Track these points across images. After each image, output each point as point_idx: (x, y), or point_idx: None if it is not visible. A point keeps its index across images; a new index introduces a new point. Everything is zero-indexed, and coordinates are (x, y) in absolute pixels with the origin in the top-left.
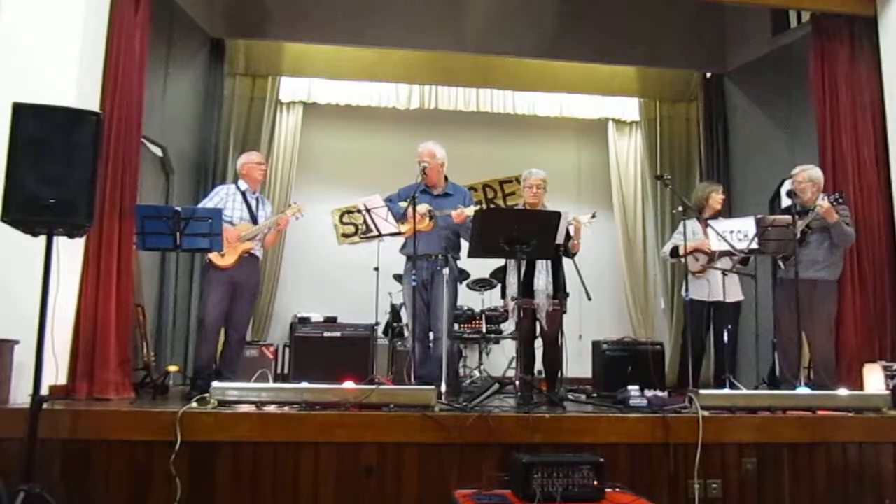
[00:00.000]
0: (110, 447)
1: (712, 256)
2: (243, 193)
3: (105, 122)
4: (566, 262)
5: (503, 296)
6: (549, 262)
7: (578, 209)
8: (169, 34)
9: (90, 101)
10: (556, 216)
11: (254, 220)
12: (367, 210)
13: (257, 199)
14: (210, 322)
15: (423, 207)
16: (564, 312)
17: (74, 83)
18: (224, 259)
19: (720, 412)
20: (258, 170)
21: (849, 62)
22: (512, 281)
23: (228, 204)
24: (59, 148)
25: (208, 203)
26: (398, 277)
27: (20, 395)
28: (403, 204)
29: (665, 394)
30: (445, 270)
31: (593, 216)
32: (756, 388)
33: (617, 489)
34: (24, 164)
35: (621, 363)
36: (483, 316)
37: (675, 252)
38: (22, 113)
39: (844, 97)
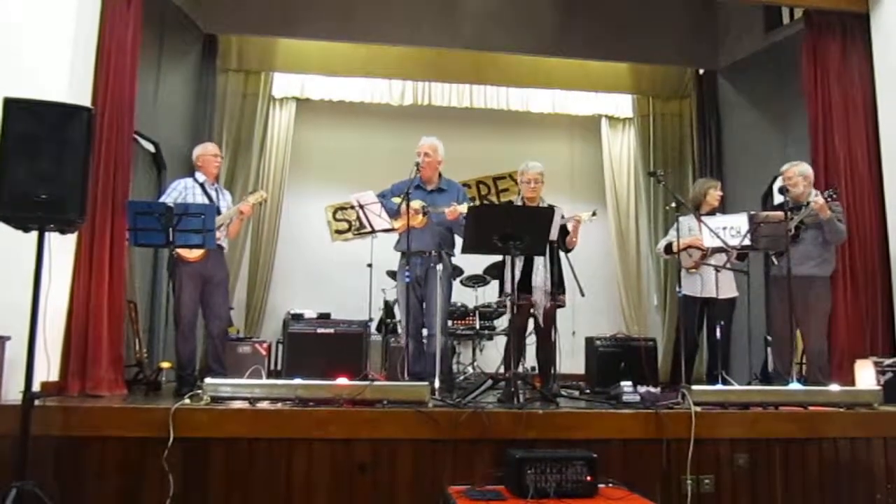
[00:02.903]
0: (103, 444)
1: (706, 253)
2: (202, 185)
3: (97, 117)
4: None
5: (501, 292)
6: (548, 257)
7: (572, 206)
8: (161, 29)
9: (82, 96)
10: (550, 212)
11: (216, 211)
12: (361, 206)
13: (216, 190)
14: (185, 318)
15: (416, 203)
16: (563, 307)
17: (66, 79)
18: (192, 253)
19: (713, 408)
20: (213, 163)
21: (841, 58)
22: (510, 277)
23: (188, 198)
24: (51, 144)
25: (167, 199)
26: (392, 274)
27: (12, 391)
28: (397, 200)
29: (658, 389)
30: (439, 267)
31: (594, 214)
32: (748, 383)
33: (610, 484)
34: (15, 160)
35: (614, 359)
36: (476, 312)
37: (668, 248)
38: (13, 108)
39: (836, 93)
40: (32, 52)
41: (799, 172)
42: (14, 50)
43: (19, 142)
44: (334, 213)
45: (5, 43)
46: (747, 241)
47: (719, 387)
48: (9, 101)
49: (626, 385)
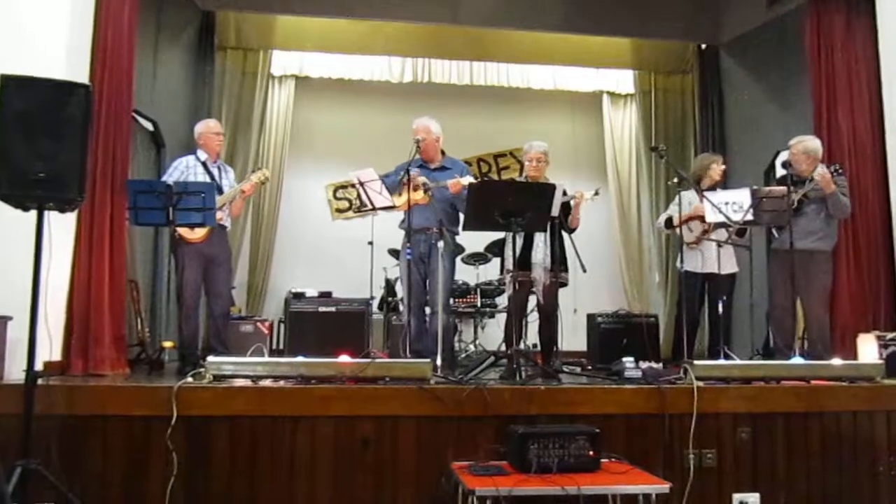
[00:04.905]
0: (106, 422)
1: (708, 227)
2: (204, 164)
3: (95, 95)
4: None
5: (502, 269)
6: (548, 234)
7: (573, 182)
8: (158, 6)
9: (79, 73)
10: (551, 188)
11: (219, 190)
12: (361, 184)
13: (219, 168)
14: (188, 298)
15: (418, 179)
16: (565, 285)
17: (63, 55)
18: (194, 233)
19: (715, 383)
20: (215, 140)
21: (845, 32)
22: (510, 254)
23: (190, 177)
24: (49, 121)
25: (169, 178)
26: (393, 252)
27: (15, 371)
28: (398, 177)
29: (660, 365)
30: (440, 244)
31: (596, 193)
32: (750, 358)
33: (612, 459)
34: (12, 137)
35: (616, 336)
36: (478, 290)
37: (669, 223)
38: (10, 86)
39: (840, 67)
40: (29, 29)
41: (803, 150)
42: (10, 27)
43: (17, 120)
44: (335, 191)
45: (1, 20)
46: (750, 216)
47: (721, 362)
48: (6, 79)
49: (628, 361)
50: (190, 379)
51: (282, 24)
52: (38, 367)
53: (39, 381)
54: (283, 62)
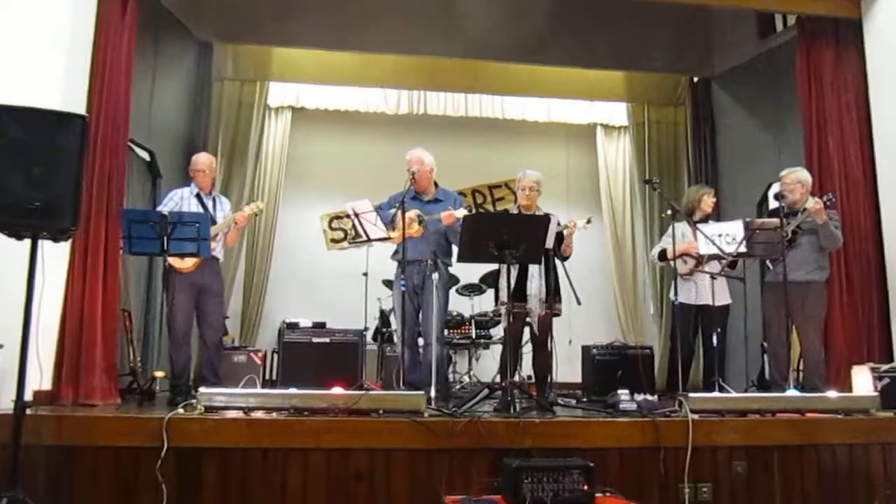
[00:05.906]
0: (96, 453)
1: (700, 260)
2: (198, 196)
3: (91, 125)
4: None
5: (496, 300)
6: (542, 265)
7: (567, 214)
8: (156, 37)
9: (76, 103)
10: (545, 221)
11: (212, 221)
12: (356, 214)
13: (214, 200)
14: (179, 327)
15: (412, 212)
16: (558, 315)
17: (61, 86)
18: (184, 263)
19: (710, 415)
20: (199, 177)
21: (834, 64)
22: (504, 285)
23: (184, 208)
24: (45, 151)
25: (163, 209)
26: (387, 283)
27: (4, 400)
28: (394, 211)
29: (655, 398)
30: (435, 275)
31: (589, 221)
32: (745, 391)
33: (607, 493)
34: (8, 167)
35: (611, 367)
36: (473, 321)
37: (662, 255)
38: (6, 116)
39: (830, 99)
40: (27, 59)
41: (797, 179)
42: (8, 58)
43: (12, 149)
44: (330, 221)
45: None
46: (743, 248)
47: (716, 394)
48: (2, 109)
49: (623, 393)
50: (181, 410)
51: (278, 56)
52: (28, 396)
53: (28, 411)
54: (279, 93)
